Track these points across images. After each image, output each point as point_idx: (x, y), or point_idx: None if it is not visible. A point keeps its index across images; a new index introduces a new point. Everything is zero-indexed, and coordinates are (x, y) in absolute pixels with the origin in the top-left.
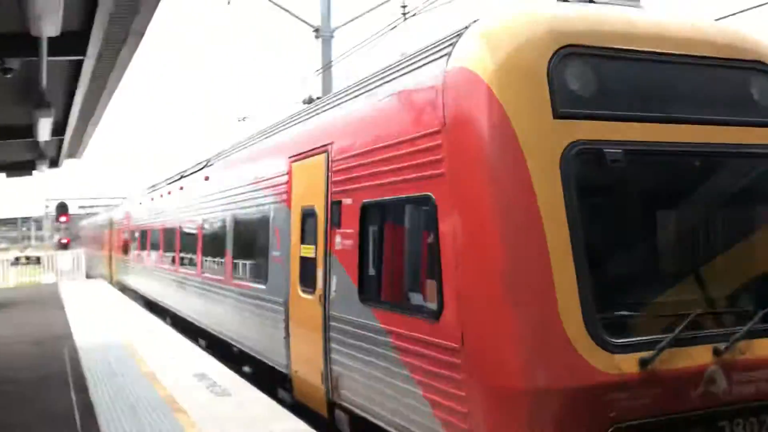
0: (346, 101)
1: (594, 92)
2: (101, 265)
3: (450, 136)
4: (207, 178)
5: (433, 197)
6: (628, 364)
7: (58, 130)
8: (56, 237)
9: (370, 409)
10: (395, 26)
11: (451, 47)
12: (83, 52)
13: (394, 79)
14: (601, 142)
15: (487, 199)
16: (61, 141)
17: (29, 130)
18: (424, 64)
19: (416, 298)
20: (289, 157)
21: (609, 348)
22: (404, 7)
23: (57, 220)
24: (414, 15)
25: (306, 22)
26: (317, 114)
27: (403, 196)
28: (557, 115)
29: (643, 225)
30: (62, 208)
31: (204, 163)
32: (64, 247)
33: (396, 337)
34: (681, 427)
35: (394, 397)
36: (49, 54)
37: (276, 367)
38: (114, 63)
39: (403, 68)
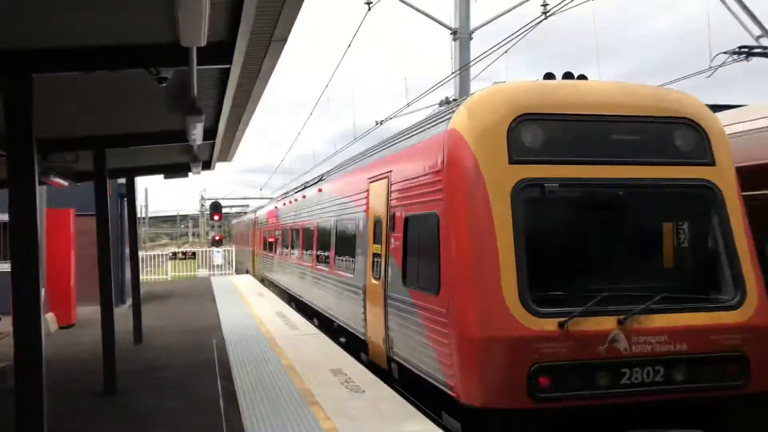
0: (398, 143)
1: (540, 145)
2: (246, 261)
3: (446, 174)
4: (320, 190)
5: (438, 214)
6: (549, 325)
7: (210, 134)
8: (210, 234)
9: (407, 359)
10: (536, 23)
11: (451, 114)
12: (229, 61)
13: (423, 131)
14: (542, 179)
15: (463, 216)
16: (213, 145)
17: (183, 135)
18: (437, 124)
19: (429, 282)
20: (368, 179)
21: (535, 314)
22: (545, 5)
23: (211, 218)
24: (553, 14)
25: (443, 24)
26: (385, 149)
27: (423, 212)
28: (511, 162)
29: (570, 234)
30: (215, 208)
31: (318, 179)
32: (217, 243)
33: (419, 308)
34: (589, 369)
35: (418, 348)
36: (198, 63)
37: (359, 335)
38: (258, 69)
39: (429, 125)
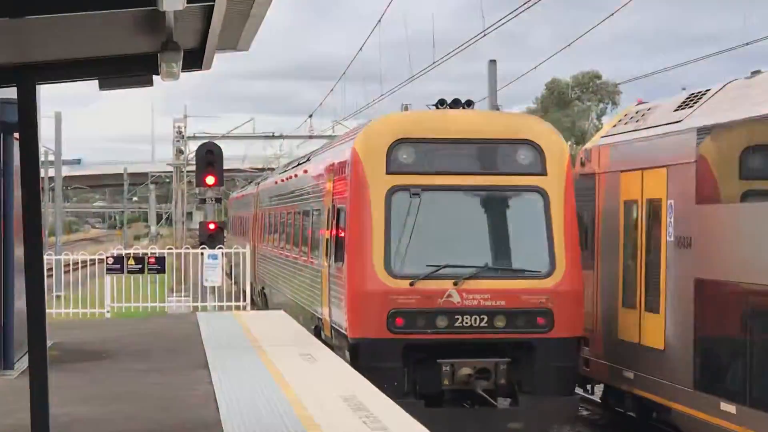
0: (330, 148)
1: (411, 161)
2: (270, 277)
3: (349, 179)
4: (295, 176)
5: (345, 207)
6: (404, 284)
7: None
8: (197, 218)
9: (334, 320)
10: None
11: (356, 135)
12: None
13: (343, 143)
14: (408, 186)
15: (354, 211)
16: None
17: None
18: (350, 140)
19: (341, 257)
20: (326, 170)
21: (395, 276)
22: None
23: (201, 182)
24: None
25: None
26: (337, 146)
27: (341, 205)
28: (388, 173)
29: (427, 224)
30: (208, 161)
31: (305, 159)
32: (212, 238)
33: (337, 278)
34: (431, 314)
35: (338, 309)
36: None
37: (316, 314)
38: None
39: (346, 139)
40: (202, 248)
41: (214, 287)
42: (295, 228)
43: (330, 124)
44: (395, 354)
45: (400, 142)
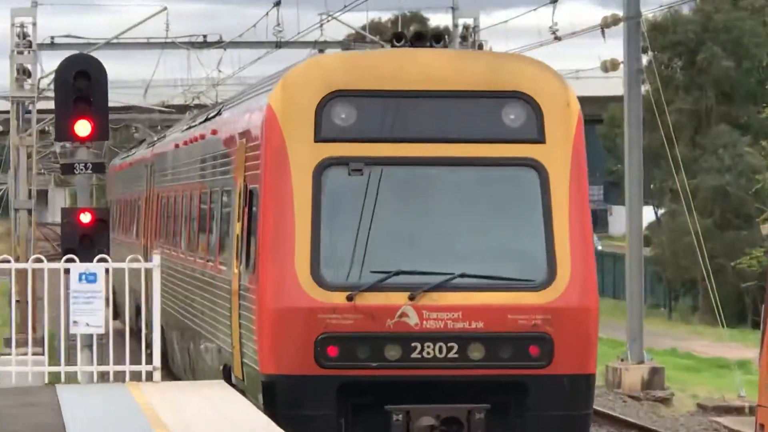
0: (247, 98)
1: (351, 123)
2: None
3: (262, 150)
4: (214, 133)
5: (258, 189)
6: (338, 298)
7: None
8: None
9: (246, 353)
10: None
11: (272, 86)
12: None
13: (259, 93)
14: (347, 158)
15: (268, 194)
16: None
17: None
18: (266, 90)
19: (253, 261)
20: (238, 132)
21: (325, 287)
22: None
23: (66, 135)
24: None
25: None
26: (239, 103)
27: (254, 186)
28: (318, 140)
29: (371, 212)
30: (79, 88)
31: (215, 112)
32: (85, 239)
33: (249, 292)
34: (377, 342)
35: (251, 337)
36: None
37: (223, 347)
38: None
39: (264, 87)
40: (68, 260)
41: (91, 336)
42: (199, 219)
43: (316, 20)
44: (327, 397)
45: (336, 96)
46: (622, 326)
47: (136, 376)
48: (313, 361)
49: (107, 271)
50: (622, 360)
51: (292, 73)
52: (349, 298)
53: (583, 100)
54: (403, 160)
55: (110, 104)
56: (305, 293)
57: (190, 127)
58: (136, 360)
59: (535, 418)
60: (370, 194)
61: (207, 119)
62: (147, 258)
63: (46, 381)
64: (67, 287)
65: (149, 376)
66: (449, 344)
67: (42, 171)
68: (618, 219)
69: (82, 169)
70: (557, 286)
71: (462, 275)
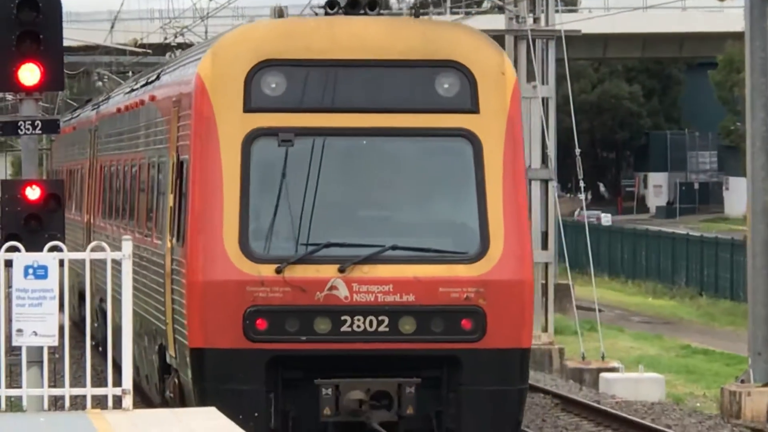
0: (182, 65)
1: (281, 93)
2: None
3: (191, 120)
4: (152, 99)
5: (188, 160)
6: (267, 270)
7: None
8: None
9: (178, 329)
10: None
11: (202, 55)
12: None
13: (190, 61)
14: (277, 128)
15: (196, 165)
16: None
17: None
18: (194, 61)
19: (183, 234)
20: (172, 100)
21: (254, 260)
22: None
23: (9, 87)
24: None
25: None
26: (173, 69)
27: (185, 157)
28: (247, 110)
29: (301, 183)
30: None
31: (154, 77)
32: (32, 220)
33: (179, 265)
34: (307, 315)
35: (182, 312)
36: None
37: (158, 325)
38: None
39: (194, 56)
40: (10, 249)
41: (40, 349)
42: (139, 191)
43: None
44: (256, 371)
45: (265, 65)
46: (743, 336)
47: (100, 402)
48: (241, 335)
49: (61, 263)
50: (742, 381)
51: (222, 43)
52: (278, 271)
53: (692, 38)
54: (334, 131)
55: (66, 43)
56: (234, 266)
57: (132, 90)
58: (99, 381)
59: (468, 392)
60: (300, 165)
61: (147, 83)
62: (89, 239)
63: None
64: (8, 285)
65: (117, 402)
66: (380, 318)
67: None
68: (736, 194)
69: (28, 129)
70: (490, 258)
71: (393, 247)
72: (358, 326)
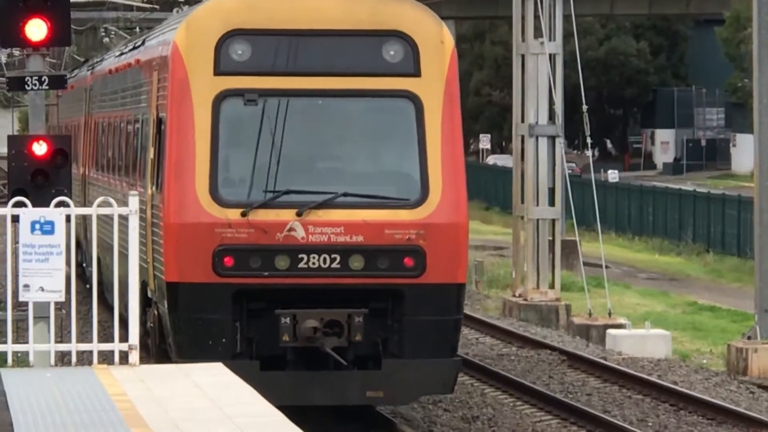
0: (162, 32)
1: (247, 59)
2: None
3: (168, 82)
4: (138, 63)
5: (166, 117)
6: (233, 214)
7: None
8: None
9: (157, 267)
10: None
11: (178, 25)
12: None
13: (168, 31)
14: (243, 89)
15: (173, 121)
16: None
17: None
18: (172, 30)
19: (161, 182)
20: (154, 63)
21: (222, 205)
22: None
23: (15, 43)
24: None
25: None
26: (153, 37)
27: (162, 114)
28: (217, 74)
29: (265, 139)
30: None
31: (140, 42)
32: (39, 176)
33: (158, 210)
34: (268, 253)
35: (160, 251)
36: None
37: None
38: None
39: (167, 29)
40: (17, 204)
41: (47, 305)
42: (127, 146)
43: None
44: (224, 302)
45: (233, 34)
46: (749, 293)
47: (106, 358)
48: (211, 271)
49: (68, 218)
50: (748, 338)
51: (195, 14)
52: (243, 214)
53: None
54: (294, 92)
55: None
56: (204, 210)
57: (121, 54)
58: (106, 336)
59: (410, 322)
60: (263, 122)
61: (134, 48)
62: (84, 190)
63: None
64: (15, 240)
65: (124, 358)
66: (332, 256)
67: None
68: (744, 151)
69: (35, 84)
70: (429, 204)
71: (344, 194)
72: (314, 263)
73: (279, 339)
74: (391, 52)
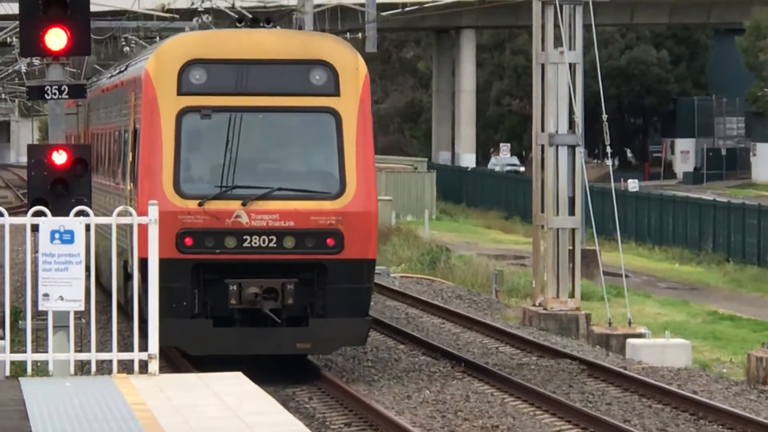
0: (138, 61)
1: (202, 82)
2: None
3: (141, 101)
4: (121, 84)
5: (140, 128)
6: (192, 204)
7: None
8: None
9: (133, 248)
10: None
11: (150, 55)
12: None
13: (142, 60)
14: (199, 107)
15: (145, 132)
16: None
17: None
18: (145, 59)
19: (135, 180)
20: (134, 85)
21: (183, 196)
22: None
23: (36, 53)
24: None
25: None
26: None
27: (137, 126)
28: (179, 93)
29: (217, 145)
30: None
31: (124, 67)
32: (60, 185)
33: (134, 202)
34: (219, 235)
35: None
36: None
37: (125, 247)
38: None
39: (143, 58)
40: (37, 214)
41: (66, 314)
42: (114, 152)
43: None
44: (184, 274)
45: (192, 63)
46: None
47: (126, 367)
48: (175, 249)
49: (88, 228)
50: None
51: (163, 47)
52: (200, 204)
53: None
54: (240, 108)
55: (93, 8)
56: (169, 201)
57: (112, 76)
58: (125, 346)
59: (332, 289)
60: (216, 132)
61: (120, 72)
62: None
63: (8, 373)
64: (35, 249)
65: (144, 367)
66: (270, 237)
67: (3, 96)
68: (764, 160)
69: (55, 93)
70: (346, 196)
71: (279, 189)
72: (255, 243)
73: (228, 302)
74: (317, 77)
